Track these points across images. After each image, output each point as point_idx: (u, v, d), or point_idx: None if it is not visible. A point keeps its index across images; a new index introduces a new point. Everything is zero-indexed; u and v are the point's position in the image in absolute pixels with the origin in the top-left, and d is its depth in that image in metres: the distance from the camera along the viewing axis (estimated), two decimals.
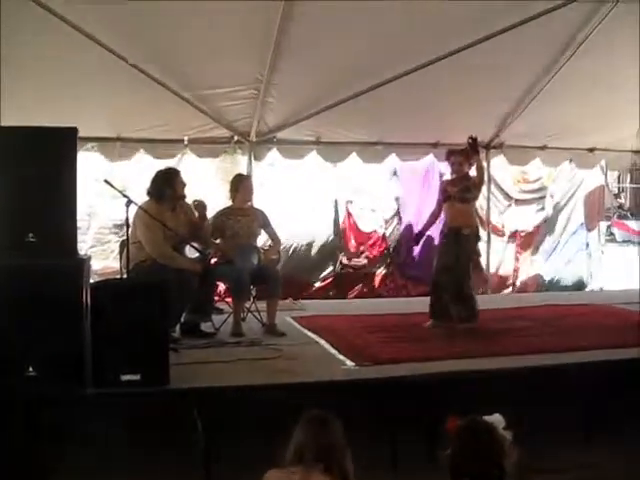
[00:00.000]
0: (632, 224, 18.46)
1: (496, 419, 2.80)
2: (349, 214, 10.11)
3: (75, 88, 6.91)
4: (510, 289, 10.64)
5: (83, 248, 8.51)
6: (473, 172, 7.09)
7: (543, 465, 4.35)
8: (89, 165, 7.90)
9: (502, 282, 10.64)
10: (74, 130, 4.89)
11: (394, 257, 10.18)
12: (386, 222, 10.27)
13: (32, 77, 6.66)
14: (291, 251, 9.54)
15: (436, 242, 7.51)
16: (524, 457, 2.74)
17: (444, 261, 6.97)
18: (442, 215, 7.26)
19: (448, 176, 7.54)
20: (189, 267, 6.33)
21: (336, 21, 6.77)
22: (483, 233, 9.37)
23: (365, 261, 10.13)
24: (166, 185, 6.46)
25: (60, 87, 6.87)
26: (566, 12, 7.02)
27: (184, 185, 6.59)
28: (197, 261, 6.53)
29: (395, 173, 10.21)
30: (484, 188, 9.14)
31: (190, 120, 7.94)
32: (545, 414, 4.97)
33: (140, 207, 6.17)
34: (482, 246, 9.20)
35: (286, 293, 7.87)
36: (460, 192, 6.97)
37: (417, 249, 9.62)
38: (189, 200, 6.73)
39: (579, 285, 11.15)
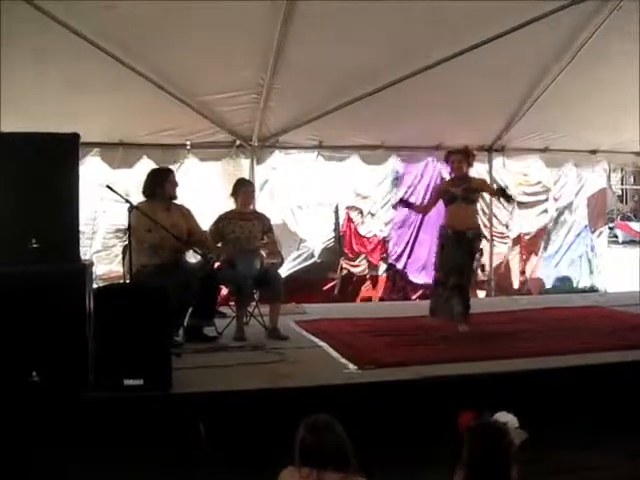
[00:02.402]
0: (635, 225, 18.54)
1: (510, 419, 2.80)
2: (349, 219, 10.13)
3: (77, 94, 6.93)
4: (514, 291, 10.61)
5: (89, 253, 8.57)
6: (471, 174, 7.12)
7: (546, 467, 4.35)
8: (93, 170, 7.94)
9: (506, 285, 10.62)
10: (76, 136, 4.92)
11: (394, 261, 10.21)
12: (386, 226, 10.27)
13: (34, 83, 6.68)
14: (293, 255, 9.55)
15: (434, 245, 7.48)
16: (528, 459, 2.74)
17: (446, 260, 6.93)
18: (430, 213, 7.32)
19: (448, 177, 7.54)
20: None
21: (337, 25, 6.77)
22: (486, 236, 9.38)
23: (365, 265, 10.16)
24: (156, 184, 6.47)
25: (62, 93, 6.88)
26: (567, 14, 7.03)
27: (176, 185, 6.57)
28: (199, 265, 6.53)
29: (397, 177, 10.22)
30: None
31: (192, 125, 7.96)
32: (548, 416, 4.96)
33: (134, 206, 6.04)
34: (486, 249, 9.20)
35: (289, 297, 7.87)
36: (465, 192, 6.93)
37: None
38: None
39: (583, 287, 11.14)
